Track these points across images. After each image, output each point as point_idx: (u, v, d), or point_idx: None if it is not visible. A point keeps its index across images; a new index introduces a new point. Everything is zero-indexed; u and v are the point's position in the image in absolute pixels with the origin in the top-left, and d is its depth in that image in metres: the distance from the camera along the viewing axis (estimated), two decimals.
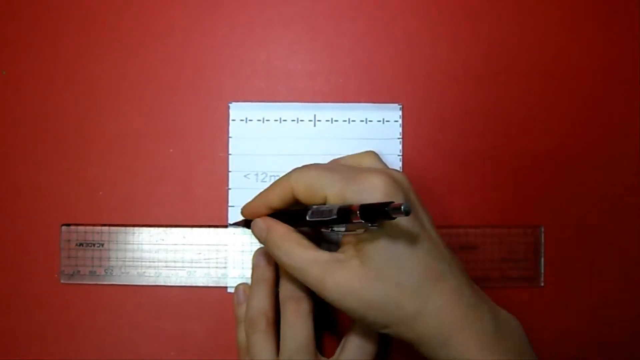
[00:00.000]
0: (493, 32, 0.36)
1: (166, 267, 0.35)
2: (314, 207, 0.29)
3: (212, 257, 0.35)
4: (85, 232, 0.36)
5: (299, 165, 0.31)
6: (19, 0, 0.36)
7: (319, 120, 0.36)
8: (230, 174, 0.36)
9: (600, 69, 0.36)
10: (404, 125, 0.36)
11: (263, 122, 0.36)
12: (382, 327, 0.27)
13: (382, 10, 0.36)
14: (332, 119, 0.36)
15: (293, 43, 0.36)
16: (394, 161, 0.36)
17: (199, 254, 0.35)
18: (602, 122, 0.36)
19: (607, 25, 0.36)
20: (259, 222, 0.31)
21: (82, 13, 0.36)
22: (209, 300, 0.35)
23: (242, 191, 0.36)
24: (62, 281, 0.35)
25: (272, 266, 0.34)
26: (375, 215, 0.25)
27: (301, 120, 0.36)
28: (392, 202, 0.24)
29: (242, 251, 0.35)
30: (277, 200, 0.31)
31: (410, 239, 0.27)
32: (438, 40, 0.36)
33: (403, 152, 0.36)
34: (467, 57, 0.36)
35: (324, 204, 0.29)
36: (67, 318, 0.35)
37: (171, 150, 0.36)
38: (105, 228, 0.36)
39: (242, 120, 0.36)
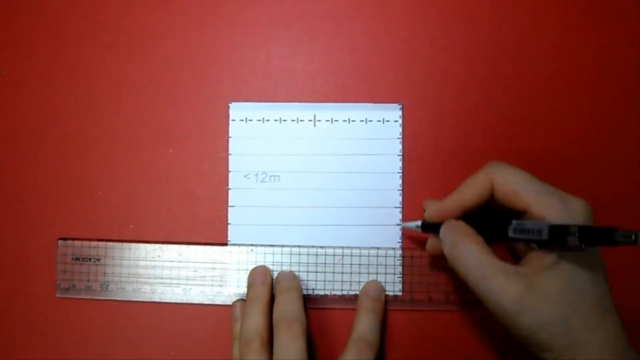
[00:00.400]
0: (493, 32, 0.36)
1: (162, 283, 0.35)
2: (516, 222, 0.28)
3: (207, 275, 0.35)
4: (82, 246, 0.35)
5: (494, 161, 0.30)
6: (18, 0, 0.36)
7: (319, 120, 0.36)
8: (230, 174, 0.36)
9: (601, 69, 0.36)
10: (404, 125, 0.36)
11: (263, 122, 0.36)
12: (544, 351, 0.27)
13: (382, 10, 0.36)
14: (332, 119, 0.36)
15: (293, 43, 0.36)
16: (394, 161, 0.36)
17: (195, 271, 0.35)
18: (602, 123, 0.36)
19: (608, 25, 0.36)
20: (451, 222, 0.30)
21: (82, 13, 0.36)
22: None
23: (242, 191, 0.36)
24: (57, 295, 0.35)
25: (267, 286, 0.34)
26: (598, 240, 0.24)
27: (301, 120, 0.36)
28: (617, 228, 0.24)
29: (238, 269, 0.35)
30: (473, 195, 0.30)
31: (594, 266, 0.27)
32: (438, 40, 0.36)
33: (403, 152, 0.36)
34: (467, 57, 0.36)
35: (523, 211, 0.28)
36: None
37: (171, 150, 0.36)
38: (102, 243, 0.35)
39: (242, 120, 0.36)
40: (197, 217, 0.36)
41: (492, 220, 0.30)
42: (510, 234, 0.28)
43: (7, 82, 0.36)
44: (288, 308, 0.32)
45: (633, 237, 0.23)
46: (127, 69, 0.36)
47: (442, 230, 0.30)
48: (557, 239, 0.26)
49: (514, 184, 0.28)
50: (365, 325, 0.33)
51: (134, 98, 0.36)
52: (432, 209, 0.31)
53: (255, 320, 0.32)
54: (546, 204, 0.27)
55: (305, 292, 0.35)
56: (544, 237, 0.26)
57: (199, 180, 0.36)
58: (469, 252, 0.28)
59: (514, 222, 0.28)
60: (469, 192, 0.30)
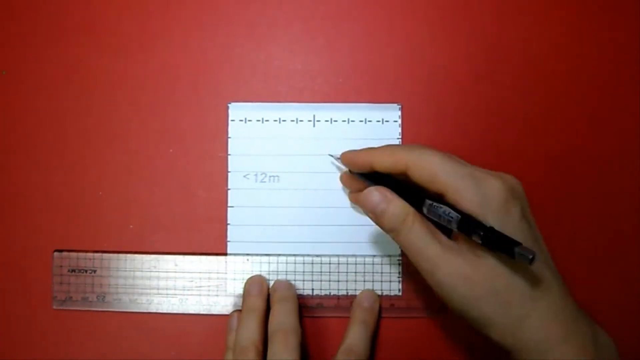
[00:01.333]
0: (493, 31, 0.36)
1: (158, 294, 0.35)
2: (430, 203, 0.28)
3: (204, 285, 0.35)
4: (78, 258, 0.35)
5: (415, 145, 0.30)
6: (19, 0, 0.36)
7: (318, 121, 0.36)
8: (229, 174, 0.36)
9: (602, 69, 0.36)
10: (403, 125, 0.36)
11: (262, 122, 0.36)
12: (484, 326, 0.27)
13: (382, 10, 0.36)
14: (331, 119, 0.36)
15: (293, 43, 0.36)
16: None
17: (191, 281, 0.35)
18: (603, 123, 0.36)
19: (608, 24, 0.36)
20: (375, 193, 0.29)
21: (82, 13, 0.36)
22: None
23: (241, 191, 0.36)
24: (54, 307, 0.35)
25: (263, 296, 0.34)
26: (498, 247, 0.25)
27: (300, 121, 0.36)
28: (521, 244, 0.24)
29: (234, 279, 0.35)
30: (384, 166, 0.29)
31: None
32: (437, 40, 0.36)
33: None
34: (467, 57, 0.36)
35: (439, 194, 0.28)
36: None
37: (171, 151, 0.36)
38: (98, 255, 0.35)
39: (241, 120, 0.36)
40: (196, 217, 0.36)
41: (409, 192, 0.29)
42: (425, 212, 0.28)
43: (7, 82, 0.36)
44: (284, 319, 0.32)
45: (530, 256, 0.23)
46: (127, 69, 0.36)
47: (364, 197, 0.29)
48: (465, 232, 0.26)
49: (430, 169, 0.28)
50: (355, 335, 0.33)
51: (134, 99, 0.36)
52: (346, 154, 0.32)
53: (251, 330, 0.32)
54: (460, 190, 0.27)
55: (301, 300, 0.35)
56: (453, 228, 0.27)
57: (198, 181, 0.36)
58: (404, 231, 0.28)
59: (427, 202, 0.28)
60: (380, 159, 0.30)
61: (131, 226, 0.36)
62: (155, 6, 0.36)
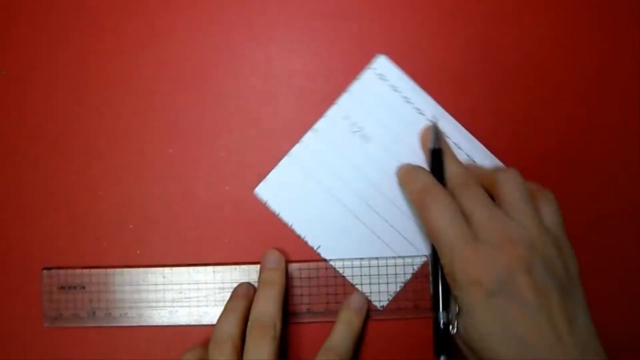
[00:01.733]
0: (490, 30, 0.36)
1: (148, 307, 0.35)
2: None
3: (193, 296, 0.35)
4: (66, 275, 0.35)
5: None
6: (19, 0, 0.36)
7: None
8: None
9: (601, 67, 0.36)
10: None
11: None
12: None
13: (380, 10, 0.36)
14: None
15: (293, 43, 0.36)
16: None
17: (180, 293, 0.35)
18: (602, 122, 0.36)
19: (608, 23, 0.36)
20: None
21: (82, 13, 0.36)
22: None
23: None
24: (45, 325, 0.35)
25: (249, 300, 0.33)
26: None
27: None
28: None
29: (222, 288, 0.35)
30: None
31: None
32: (436, 38, 0.36)
33: None
34: (464, 55, 0.36)
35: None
36: None
37: (171, 151, 0.36)
38: (86, 270, 0.35)
39: None
40: (196, 217, 0.36)
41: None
42: None
43: (7, 83, 0.36)
44: (265, 309, 0.31)
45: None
46: (126, 69, 0.36)
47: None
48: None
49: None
50: (337, 335, 0.32)
51: (133, 99, 0.36)
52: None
53: (230, 325, 0.31)
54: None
55: (290, 306, 0.35)
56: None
57: (198, 181, 0.36)
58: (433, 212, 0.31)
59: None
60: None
61: (131, 226, 0.36)
62: (155, 6, 0.36)
